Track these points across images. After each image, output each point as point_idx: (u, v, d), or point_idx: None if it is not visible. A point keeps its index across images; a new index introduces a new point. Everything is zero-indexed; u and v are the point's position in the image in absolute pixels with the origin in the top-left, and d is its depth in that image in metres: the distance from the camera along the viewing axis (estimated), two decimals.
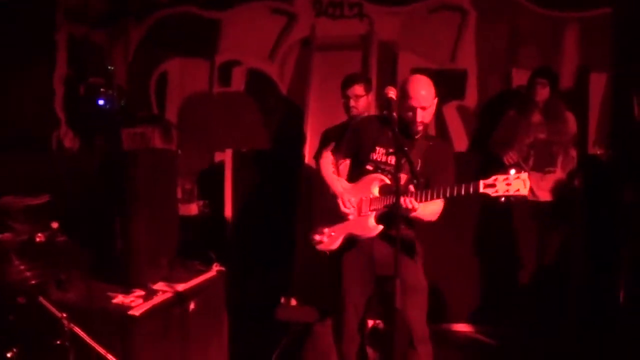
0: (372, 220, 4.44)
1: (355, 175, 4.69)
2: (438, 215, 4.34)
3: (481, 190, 3.88)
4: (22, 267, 3.43)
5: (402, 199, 4.00)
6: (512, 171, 3.81)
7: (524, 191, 3.78)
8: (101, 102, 6.91)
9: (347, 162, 4.81)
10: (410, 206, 4.08)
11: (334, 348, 5.06)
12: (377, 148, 4.51)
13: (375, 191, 4.46)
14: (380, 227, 4.40)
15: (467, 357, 5.94)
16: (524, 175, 3.78)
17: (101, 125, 6.88)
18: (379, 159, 4.51)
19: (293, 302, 6.39)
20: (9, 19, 6.45)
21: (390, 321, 4.76)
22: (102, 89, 6.97)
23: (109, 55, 7.59)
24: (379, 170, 4.49)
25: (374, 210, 4.43)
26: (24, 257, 3.54)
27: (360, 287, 4.67)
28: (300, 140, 6.49)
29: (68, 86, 7.22)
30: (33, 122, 6.73)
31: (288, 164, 6.56)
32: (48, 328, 3.59)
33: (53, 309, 3.32)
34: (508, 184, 3.81)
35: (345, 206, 4.54)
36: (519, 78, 6.75)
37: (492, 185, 3.85)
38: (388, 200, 4.32)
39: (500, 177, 3.83)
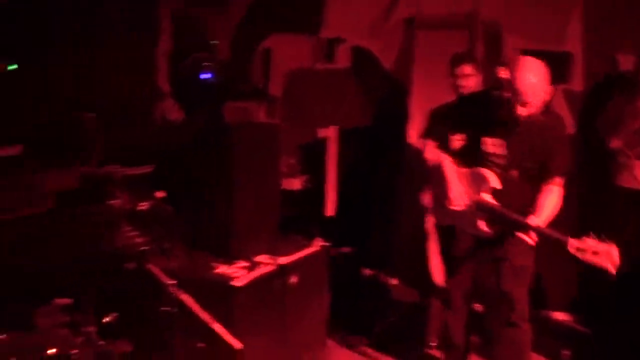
0: (482, 224, 4.42)
1: (463, 158, 4.63)
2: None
3: (568, 248, 3.82)
4: (131, 233, 3.46)
5: (520, 235, 4.11)
6: (602, 244, 3.75)
7: (610, 267, 3.72)
8: (205, 75, 6.96)
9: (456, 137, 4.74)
10: (528, 240, 4.10)
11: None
12: (486, 137, 4.45)
13: (487, 196, 4.40)
14: (488, 230, 4.39)
15: (564, 344, 5.80)
16: (614, 251, 3.69)
17: (205, 99, 6.94)
18: (489, 150, 4.45)
19: (394, 281, 6.38)
20: None
21: (491, 299, 4.74)
22: (206, 63, 7.02)
23: (211, 30, 7.64)
24: (488, 162, 4.43)
25: (485, 218, 4.40)
26: (133, 224, 3.57)
27: (469, 261, 4.67)
28: (404, 118, 6.43)
29: (172, 60, 7.30)
30: (139, 96, 6.83)
31: (391, 142, 6.51)
32: (153, 294, 3.64)
33: (161, 276, 3.34)
34: (596, 253, 3.74)
35: (455, 203, 4.53)
36: (626, 62, 6.51)
37: (582, 250, 3.78)
38: (503, 218, 4.28)
39: (590, 242, 3.76)
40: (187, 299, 3.33)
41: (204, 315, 3.39)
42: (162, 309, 3.40)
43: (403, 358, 5.63)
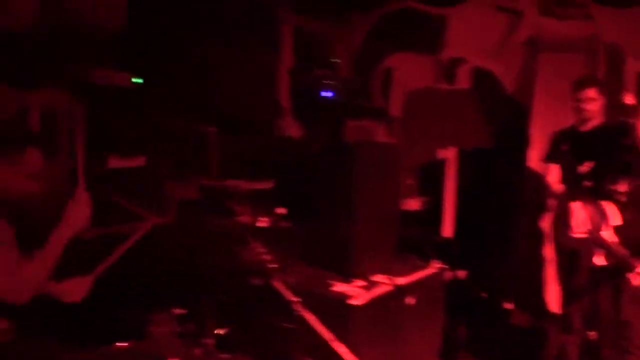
0: (598, 258, 4.36)
1: (587, 186, 4.57)
2: None
3: None
4: (259, 249, 3.51)
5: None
6: None
7: None
8: (326, 93, 7.02)
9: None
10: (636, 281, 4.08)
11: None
12: (610, 171, 4.41)
13: (606, 233, 4.35)
14: (604, 263, 4.36)
15: None
16: None
17: (325, 116, 7.00)
18: (612, 187, 4.38)
19: (509, 305, 6.29)
20: (237, 11, 6.67)
21: (608, 327, 4.67)
22: (327, 81, 7.08)
23: (333, 47, 7.70)
24: (611, 196, 4.38)
25: (603, 253, 4.36)
26: (259, 240, 3.63)
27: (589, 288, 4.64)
28: (525, 141, 6.34)
29: (293, 77, 7.38)
30: (260, 112, 6.93)
31: (511, 164, 6.42)
32: (276, 310, 3.68)
33: (287, 292, 3.38)
34: None
35: (576, 230, 4.49)
36: None
37: None
38: (618, 257, 4.24)
39: None
40: (309, 316, 3.35)
41: (325, 334, 3.40)
42: (284, 324, 3.42)
43: None
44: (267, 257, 3.51)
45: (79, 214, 3.57)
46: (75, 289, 3.61)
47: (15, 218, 3.69)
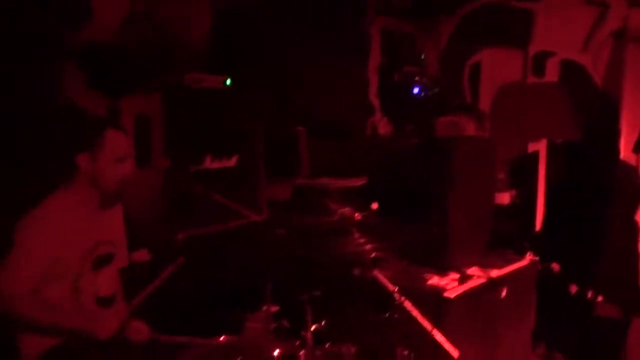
0: None
1: None
2: None
3: None
4: (361, 240, 3.60)
5: None
6: None
7: None
8: (415, 90, 7.08)
9: None
10: None
11: None
12: None
13: None
14: None
15: None
16: None
17: (414, 113, 7.05)
18: None
19: (599, 298, 6.25)
20: (325, 12, 6.75)
21: None
22: (415, 78, 7.13)
23: (421, 44, 7.75)
24: None
25: None
26: (362, 232, 3.72)
27: None
28: (615, 133, 6.29)
29: (382, 75, 7.45)
30: (350, 110, 7.01)
31: (602, 157, 6.38)
32: (376, 301, 3.75)
33: (387, 283, 3.47)
34: None
35: None
36: None
37: None
38: None
39: None
40: (409, 306, 3.42)
41: (425, 323, 3.47)
42: (386, 314, 3.49)
43: None
44: (367, 247, 3.58)
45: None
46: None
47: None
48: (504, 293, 4.90)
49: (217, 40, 5.93)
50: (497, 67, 7.31)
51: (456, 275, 4.88)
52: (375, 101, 7.43)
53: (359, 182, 5.81)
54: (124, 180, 3.51)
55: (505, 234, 5.74)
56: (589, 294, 6.18)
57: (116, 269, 3.69)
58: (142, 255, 4.84)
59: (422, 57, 7.46)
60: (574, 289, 6.24)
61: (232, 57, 5.97)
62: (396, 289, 3.42)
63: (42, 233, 3.27)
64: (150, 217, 5.15)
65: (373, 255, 3.65)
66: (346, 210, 3.76)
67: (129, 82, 5.15)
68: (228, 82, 5.71)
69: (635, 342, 5.46)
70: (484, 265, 5.08)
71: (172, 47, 5.42)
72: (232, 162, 5.74)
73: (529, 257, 5.42)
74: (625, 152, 6.08)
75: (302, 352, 3.70)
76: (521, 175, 6.69)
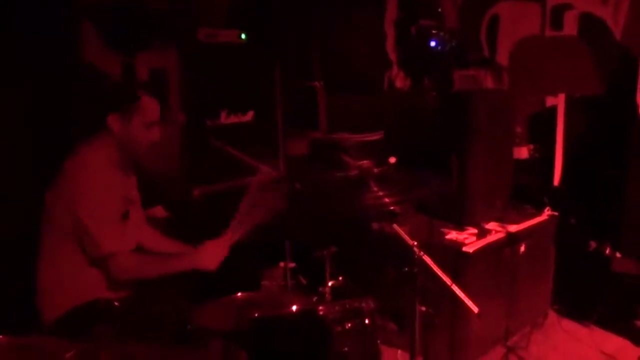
0: None
1: None
2: None
3: None
4: (380, 194, 3.57)
5: None
6: None
7: None
8: (432, 43, 6.99)
9: None
10: None
11: None
12: None
13: None
14: None
15: None
16: None
17: (432, 67, 6.98)
18: None
19: (618, 255, 6.22)
20: None
21: None
22: (433, 31, 7.05)
23: None
24: None
25: None
26: (381, 185, 3.68)
27: None
28: (634, 88, 6.21)
29: (399, 29, 7.38)
30: (367, 64, 6.96)
31: (621, 111, 6.30)
32: (396, 255, 3.73)
33: (406, 237, 3.44)
34: None
35: None
36: None
37: None
38: None
39: None
40: (428, 260, 3.40)
41: (444, 278, 3.45)
42: (405, 269, 3.47)
43: (623, 332, 5.52)
44: (386, 199, 3.55)
45: (212, 257, 3.67)
46: (210, 259, 3.71)
47: (141, 172, 3.86)
48: (522, 248, 4.89)
49: None
50: (515, 20, 7.20)
51: (475, 230, 4.86)
52: (392, 55, 7.36)
53: (376, 136, 5.77)
54: (150, 145, 3.56)
55: (524, 189, 5.70)
56: (607, 249, 6.16)
57: (134, 225, 3.71)
58: (159, 211, 4.85)
59: (439, 10, 7.35)
60: (592, 244, 6.22)
61: (250, 11, 5.92)
62: (415, 243, 3.38)
63: (90, 184, 3.39)
64: (167, 173, 5.15)
65: (391, 208, 3.61)
66: (364, 163, 3.72)
67: (144, 36, 5.13)
68: (243, 36, 5.66)
69: None
70: (503, 220, 5.07)
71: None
72: (248, 117, 5.71)
73: (547, 212, 5.39)
74: None
75: (320, 307, 3.67)
76: (539, 129, 6.62)
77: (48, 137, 4.36)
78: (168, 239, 4.05)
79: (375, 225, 4.53)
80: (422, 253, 3.35)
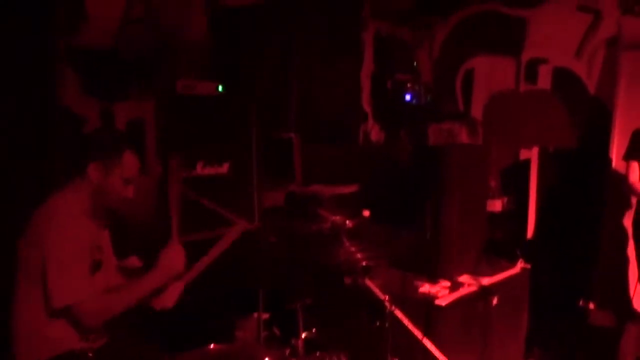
0: None
1: None
2: None
3: None
4: (352, 249, 3.59)
5: None
6: None
7: None
8: (408, 97, 7.08)
9: None
10: None
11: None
12: None
13: None
14: None
15: None
16: None
17: (407, 120, 7.05)
18: None
19: (591, 305, 6.26)
20: (317, 17, 6.74)
21: None
22: (408, 85, 7.14)
23: (413, 51, 7.76)
24: None
25: None
26: (353, 240, 3.70)
27: None
28: (607, 141, 6.30)
29: (375, 82, 7.46)
30: (342, 116, 7.01)
31: (594, 164, 6.39)
32: (367, 309, 3.75)
33: (377, 291, 3.46)
34: None
35: None
36: None
37: None
38: None
39: None
40: (400, 314, 3.42)
41: (416, 331, 3.47)
42: (376, 323, 3.48)
43: None
44: (359, 255, 3.57)
45: (173, 261, 3.66)
46: (168, 296, 3.69)
47: (114, 221, 3.85)
48: (495, 301, 4.90)
49: (213, 42, 5.94)
50: (490, 74, 7.32)
51: (447, 283, 4.88)
52: (367, 107, 7.43)
53: (351, 189, 5.80)
54: (124, 201, 3.56)
55: (497, 242, 5.74)
56: (581, 302, 6.19)
57: (104, 276, 3.69)
58: (134, 261, 4.83)
59: (415, 64, 7.46)
60: (566, 296, 6.26)
61: (227, 62, 5.96)
62: (387, 298, 3.40)
63: (58, 235, 3.32)
64: (142, 223, 5.14)
65: (364, 263, 3.64)
66: (338, 218, 3.74)
67: (123, 86, 5.16)
68: (220, 88, 5.69)
69: (627, 348, 5.47)
70: (476, 273, 5.08)
71: (167, 51, 5.42)
72: (224, 168, 5.72)
73: (520, 265, 5.42)
74: (617, 159, 6.08)
75: None
76: (513, 182, 6.70)
77: (21, 180, 4.35)
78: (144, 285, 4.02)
79: (347, 279, 4.54)
80: (393, 307, 3.37)
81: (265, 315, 4.50)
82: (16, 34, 4.41)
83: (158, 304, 3.64)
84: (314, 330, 4.18)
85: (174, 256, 3.64)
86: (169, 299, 3.65)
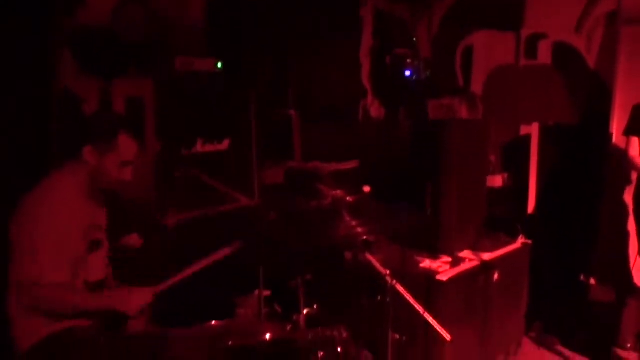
0: None
1: None
2: None
3: None
4: (353, 223, 3.58)
5: None
6: None
7: None
8: (407, 73, 7.05)
9: None
10: None
11: None
12: None
13: None
14: None
15: None
16: None
17: (406, 96, 7.03)
18: None
19: (592, 281, 6.27)
20: None
21: None
22: (407, 61, 7.11)
23: (413, 27, 7.72)
24: None
25: None
26: (354, 214, 3.69)
27: None
28: (607, 116, 6.28)
29: (374, 58, 7.43)
30: (342, 93, 6.99)
31: (594, 140, 6.37)
32: (368, 284, 3.74)
33: (378, 266, 3.45)
34: None
35: None
36: None
37: None
38: None
39: None
40: (401, 289, 3.41)
41: (417, 306, 3.46)
42: (377, 298, 3.48)
43: (597, 358, 5.56)
44: (359, 229, 3.56)
45: (129, 303, 3.51)
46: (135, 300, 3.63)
47: (110, 206, 3.84)
48: (496, 276, 4.90)
49: (211, 23, 5.91)
50: (490, 49, 7.28)
51: (448, 259, 4.88)
52: (367, 84, 7.41)
53: (351, 165, 5.79)
54: (121, 184, 3.55)
55: (498, 217, 5.74)
56: (582, 277, 6.20)
57: (104, 254, 3.69)
58: (133, 240, 4.82)
59: (414, 39, 7.42)
60: (566, 271, 6.27)
61: (226, 40, 5.94)
62: (388, 272, 3.40)
63: (48, 213, 3.31)
64: (141, 201, 5.14)
65: (365, 238, 3.63)
66: (338, 193, 3.73)
67: (121, 64, 5.14)
68: (219, 65, 5.67)
69: (628, 323, 5.49)
70: (477, 248, 5.09)
71: (165, 29, 5.40)
72: (224, 145, 5.71)
73: (521, 240, 5.42)
74: (617, 135, 6.06)
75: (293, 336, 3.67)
76: (513, 158, 6.69)
77: (27, 162, 4.36)
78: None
79: (348, 255, 4.53)
80: (394, 282, 3.36)
81: (266, 292, 4.50)
82: (15, 17, 4.40)
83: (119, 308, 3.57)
84: (315, 306, 4.17)
85: (139, 299, 3.53)
86: (131, 306, 3.55)
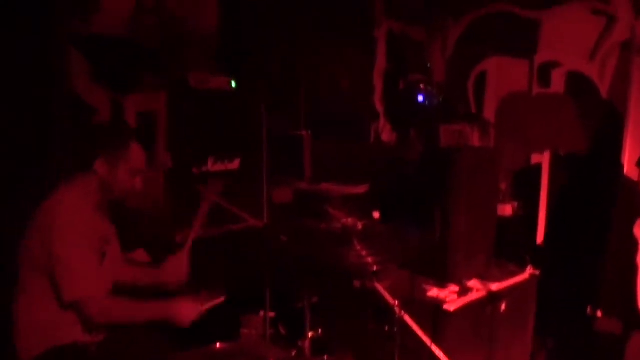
0: None
1: None
2: None
3: None
4: (363, 252, 3.57)
5: None
6: None
7: None
8: (420, 98, 7.05)
9: None
10: None
11: None
12: None
13: None
14: None
15: None
16: None
17: (419, 120, 7.02)
18: None
19: (599, 313, 6.23)
20: (331, 14, 6.72)
21: None
22: (421, 85, 7.10)
23: (427, 51, 7.72)
24: None
25: None
26: (364, 242, 3.69)
27: None
28: (619, 146, 6.26)
29: (387, 81, 7.43)
30: (354, 114, 6.99)
31: (606, 170, 6.34)
32: (375, 312, 3.73)
33: (387, 296, 3.44)
34: None
35: None
36: None
37: None
38: None
39: None
40: (409, 319, 3.40)
41: (424, 337, 3.45)
42: (385, 327, 3.47)
43: None
44: (369, 259, 3.55)
45: (181, 316, 3.62)
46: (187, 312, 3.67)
47: (118, 216, 3.85)
48: (503, 306, 4.88)
49: (225, 38, 5.93)
50: (503, 76, 7.28)
51: (456, 287, 4.86)
52: (379, 106, 7.41)
53: (361, 189, 5.77)
54: (131, 192, 3.59)
55: (507, 246, 5.71)
56: (589, 309, 6.17)
57: (109, 266, 3.70)
58: (141, 255, 4.83)
59: (428, 65, 7.42)
60: (573, 302, 6.24)
61: (239, 57, 5.95)
62: (396, 303, 3.38)
63: (74, 228, 3.37)
64: (151, 218, 5.13)
65: (375, 268, 3.62)
66: (349, 220, 3.73)
67: (135, 77, 5.15)
68: (233, 84, 5.67)
69: (633, 356, 5.46)
70: (485, 278, 5.05)
71: (179, 42, 5.41)
72: (235, 165, 5.71)
73: (529, 271, 5.40)
74: (628, 165, 6.04)
75: None
76: (524, 186, 6.66)
77: (30, 169, 4.36)
78: (150, 276, 4.04)
79: (357, 283, 4.52)
80: (402, 313, 3.35)
81: (272, 314, 4.49)
82: (15, 17, 4.43)
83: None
84: (320, 330, 4.15)
85: (190, 310, 3.64)
86: (185, 318, 3.62)
